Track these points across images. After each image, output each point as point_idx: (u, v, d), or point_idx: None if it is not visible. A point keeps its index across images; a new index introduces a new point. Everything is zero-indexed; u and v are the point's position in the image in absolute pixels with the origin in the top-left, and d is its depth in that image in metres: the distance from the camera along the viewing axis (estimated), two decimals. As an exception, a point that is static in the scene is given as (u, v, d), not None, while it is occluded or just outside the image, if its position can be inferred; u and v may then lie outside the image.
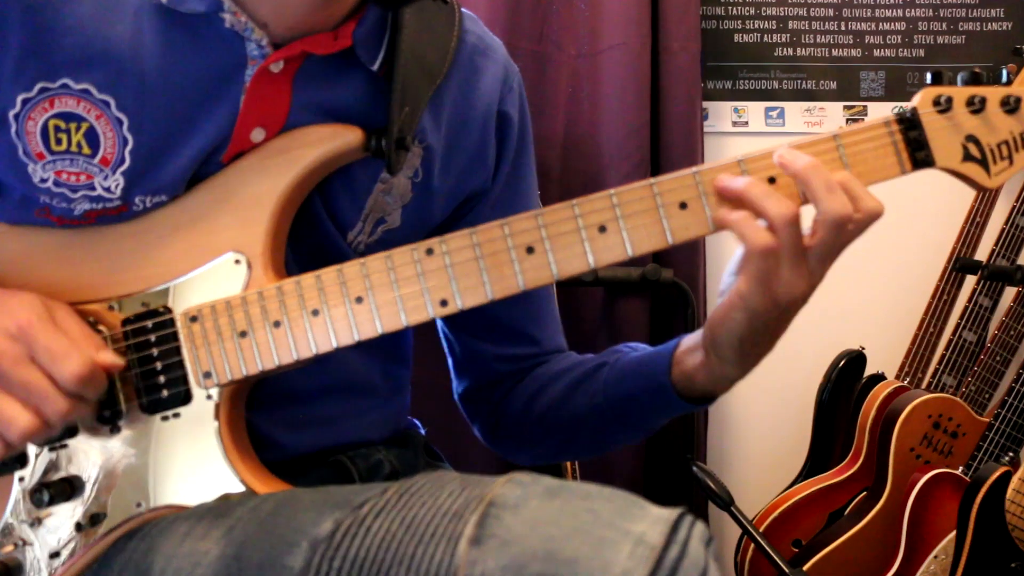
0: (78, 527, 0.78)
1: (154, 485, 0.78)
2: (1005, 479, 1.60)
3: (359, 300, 0.78)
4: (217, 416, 0.79)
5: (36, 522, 0.78)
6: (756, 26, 2.19)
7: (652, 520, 0.61)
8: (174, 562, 0.72)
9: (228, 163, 0.82)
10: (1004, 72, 0.80)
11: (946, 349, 1.98)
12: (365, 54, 0.84)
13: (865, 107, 2.20)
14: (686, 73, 2.04)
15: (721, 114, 2.20)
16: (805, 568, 1.82)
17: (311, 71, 0.83)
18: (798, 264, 0.75)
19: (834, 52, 2.20)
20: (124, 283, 0.81)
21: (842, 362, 2.04)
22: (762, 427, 2.23)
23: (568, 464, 1.84)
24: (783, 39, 2.19)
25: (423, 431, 1.08)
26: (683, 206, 0.77)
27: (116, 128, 0.78)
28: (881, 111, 2.19)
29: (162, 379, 0.78)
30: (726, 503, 1.65)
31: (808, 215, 0.75)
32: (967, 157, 0.79)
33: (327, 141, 0.82)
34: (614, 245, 0.77)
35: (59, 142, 0.77)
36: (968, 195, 2.03)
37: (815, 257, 0.75)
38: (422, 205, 0.92)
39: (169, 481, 0.78)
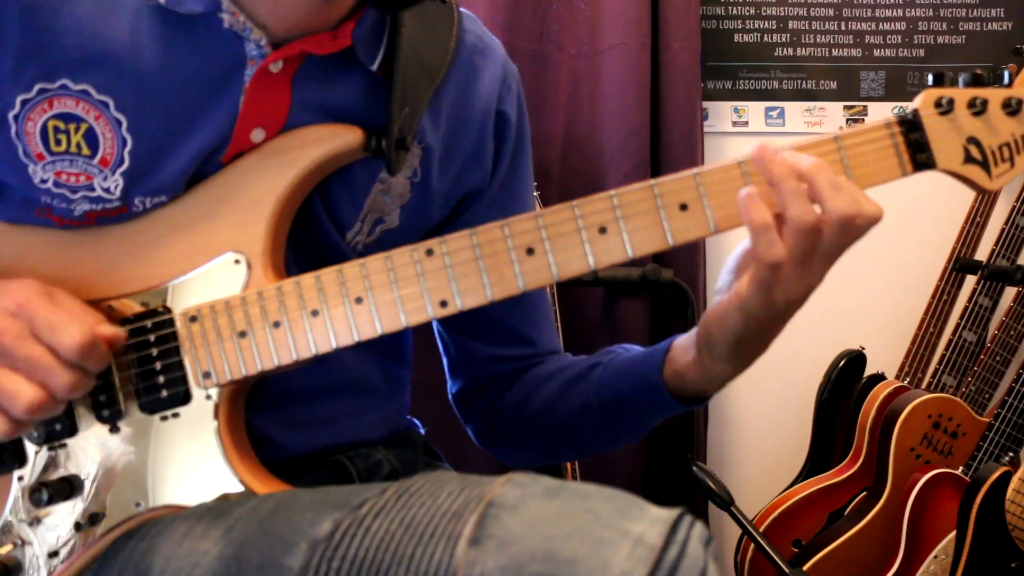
0: (77, 527, 0.78)
1: (153, 485, 0.78)
2: (1005, 479, 1.60)
3: (359, 301, 0.78)
4: (216, 416, 0.79)
5: (35, 521, 0.78)
6: (756, 26, 2.19)
7: (651, 520, 0.61)
8: (173, 562, 0.72)
9: (228, 163, 0.82)
10: (1006, 73, 0.79)
11: (946, 349, 1.98)
12: (364, 54, 0.84)
13: (865, 107, 2.20)
14: (686, 73, 2.04)
15: (721, 114, 2.20)
16: (805, 568, 1.82)
17: (310, 71, 0.83)
18: (801, 270, 0.74)
19: (834, 52, 2.20)
20: (124, 283, 0.81)
21: (842, 362, 2.04)
22: (762, 427, 2.23)
23: (568, 464, 1.84)
24: (783, 39, 2.19)
25: (423, 431, 1.08)
26: (684, 207, 0.77)
27: (115, 129, 0.78)
28: (881, 111, 2.19)
29: (161, 379, 0.78)
30: (726, 503, 1.65)
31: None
32: (968, 159, 0.78)
33: (327, 141, 0.82)
34: (614, 246, 0.77)
35: (58, 143, 0.77)
36: (968, 195, 2.03)
37: (818, 259, 0.75)
38: (420, 205, 0.92)
39: (168, 481, 0.78)
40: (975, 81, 0.78)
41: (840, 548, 1.84)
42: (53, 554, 0.78)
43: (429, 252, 0.77)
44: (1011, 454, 1.74)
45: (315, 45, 0.81)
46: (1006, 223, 1.91)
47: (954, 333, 1.98)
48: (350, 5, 0.83)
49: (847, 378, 2.04)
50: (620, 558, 0.59)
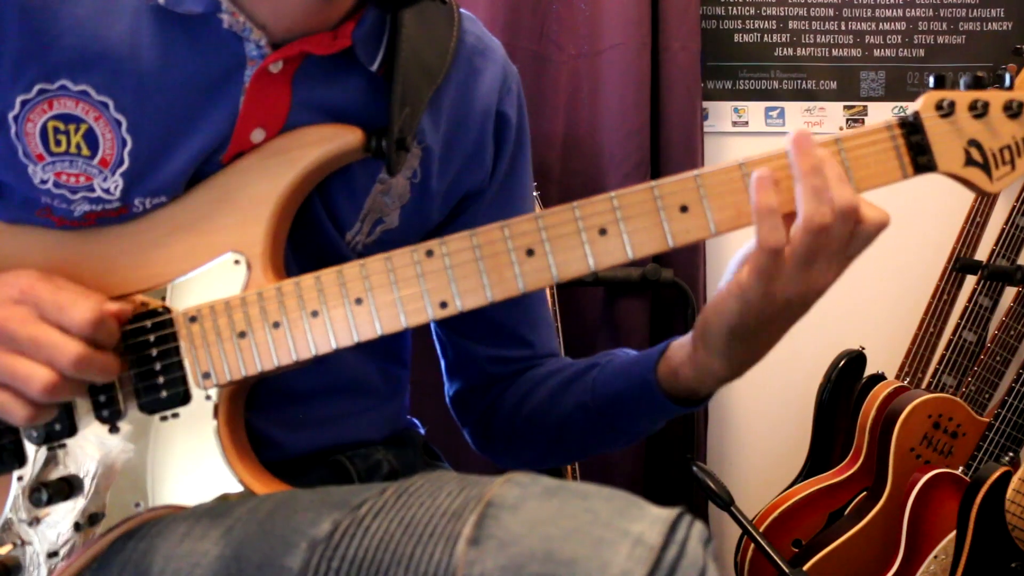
0: (77, 527, 0.78)
1: (153, 485, 0.78)
2: (1005, 479, 1.60)
3: (359, 301, 0.78)
4: (216, 416, 0.79)
5: (35, 521, 0.78)
6: (756, 26, 2.19)
7: (650, 520, 0.61)
8: (173, 562, 0.72)
9: (228, 163, 0.82)
10: (1007, 75, 0.79)
11: (946, 349, 1.98)
12: (364, 54, 0.84)
13: (865, 107, 2.20)
14: (686, 73, 2.03)
15: (721, 114, 2.20)
16: (805, 568, 1.82)
17: (310, 71, 0.83)
18: (804, 269, 0.74)
19: (834, 52, 2.20)
20: (123, 283, 0.81)
21: (842, 362, 2.04)
22: (762, 427, 2.23)
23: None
24: (783, 39, 2.19)
25: (422, 431, 1.08)
26: (684, 209, 0.77)
27: (115, 129, 0.78)
28: (881, 111, 2.19)
29: (161, 379, 0.78)
30: (726, 503, 1.65)
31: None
32: (969, 162, 0.78)
33: (327, 141, 0.82)
34: (615, 248, 0.77)
35: (58, 143, 0.77)
36: (968, 195, 2.03)
37: (823, 259, 0.74)
38: (420, 205, 0.92)
39: (168, 481, 0.78)
40: (976, 83, 0.78)
41: (840, 548, 1.84)
42: (53, 554, 0.78)
43: (429, 253, 0.77)
44: (1011, 454, 1.74)
45: (315, 45, 0.81)
46: (1006, 223, 1.91)
47: (954, 333, 1.98)
48: (350, 5, 0.83)
49: (847, 378, 2.04)
50: (620, 558, 0.59)
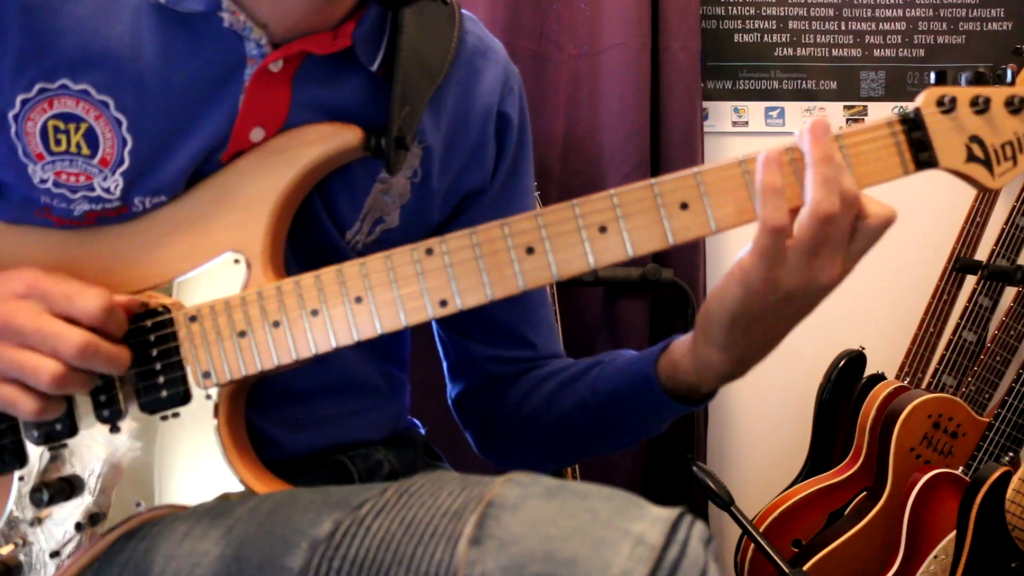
0: (78, 527, 0.78)
1: (153, 485, 0.78)
2: (1005, 479, 1.60)
3: (358, 300, 0.78)
4: (216, 416, 0.79)
5: (36, 521, 0.78)
6: (756, 26, 2.19)
7: (651, 520, 0.61)
8: (173, 562, 0.72)
9: (227, 163, 0.82)
10: (1008, 72, 0.79)
11: (946, 349, 1.98)
12: (364, 54, 0.84)
13: (865, 107, 2.20)
14: (686, 73, 2.03)
15: (721, 114, 2.20)
16: (805, 568, 1.82)
17: (310, 71, 0.83)
18: (809, 259, 0.74)
19: (834, 52, 2.20)
20: (123, 283, 0.80)
21: (842, 362, 2.04)
22: (762, 427, 2.23)
23: (567, 464, 1.84)
24: (783, 39, 2.19)
25: (423, 431, 1.08)
26: (684, 206, 0.77)
27: (115, 129, 0.78)
28: (881, 111, 2.19)
29: (161, 379, 0.78)
30: (726, 503, 1.65)
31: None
32: (970, 158, 0.78)
33: (326, 140, 0.82)
34: (615, 245, 0.77)
35: (58, 143, 0.77)
36: (968, 195, 2.03)
37: (828, 251, 0.74)
38: (421, 205, 0.92)
39: (169, 481, 0.78)
40: (977, 79, 0.78)
41: (840, 548, 1.84)
42: (54, 554, 0.77)
43: (429, 251, 0.77)
44: (1011, 454, 1.74)
45: (315, 45, 0.81)
46: (1006, 223, 1.91)
47: (954, 333, 1.98)
48: (351, 5, 0.83)
49: (847, 378, 2.04)
50: (620, 558, 0.59)
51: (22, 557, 0.78)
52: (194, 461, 0.78)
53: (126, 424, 0.79)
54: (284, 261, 0.83)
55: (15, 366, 0.72)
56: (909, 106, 0.79)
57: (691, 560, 0.60)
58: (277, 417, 0.88)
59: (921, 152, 0.78)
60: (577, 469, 1.86)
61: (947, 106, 0.77)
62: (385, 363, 0.98)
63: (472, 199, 0.98)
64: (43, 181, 0.78)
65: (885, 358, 2.08)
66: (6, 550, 0.78)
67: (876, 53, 2.19)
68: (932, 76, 0.79)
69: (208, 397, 0.79)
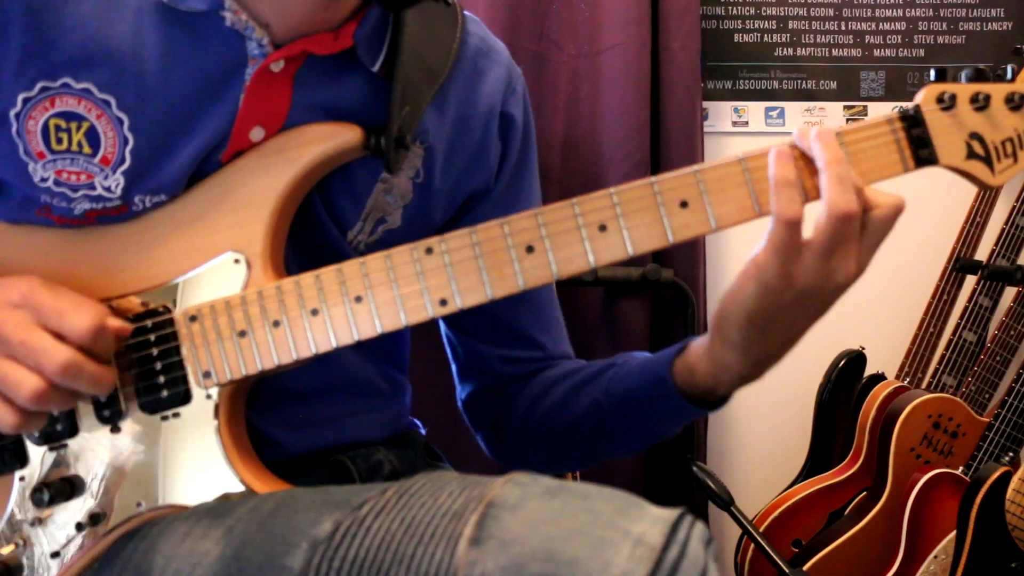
0: (78, 527, 0.78)
1: (154, 485, 0.78)
2: (1005, 479, 1.60)
3: (358, 299, 0.77)
4: (217, 416, 0.79)
5: (37, 522, 0.78)
6: (756, 26, 2.19)
7: (651, 520, 0.61)
8: (174, 562, 0.72)
9: (227, 162, 0.82)
10: (1008, 70, 0.79)
11: (946, 349, 1.98)
12: (366, 55, 0.84)
13: (865, 107, 2.20)
14: (686, 73, 2.03)
15: (721, 114, 2.20)
16: (805, 568, 1.82)
17: (312, 71, 0.83)
18: (825, 258, 0.73)
19: (834, 52, 2.20)
20: (123, 282, 0.81)
21: (842, 362, 2.04)
22: (762, 427, 2.22)
23: (570, 465, 1.83)
24: (783, 39, 2.19)
25: (423, 431, 1.08)
26: (684, 205, 0.77)
27: (117, 127, 0.78)
28: (881, 111, 2.18)
29: (161, 379, 0.78)
30: (726, 503, 1.65)
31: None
32: (971, 155, 0.78)
33: (326, 139, 0.82)
34: (614, 244, 0.77)
35: (60, 141, 0.77)
36: (968, 195, 2.03)
37: (842, 249, 0.74)
38: (423, 205, 0.92)
39: (169, 481, 0.78)
40: (978, 77, 0.78)
41: (840, 548, 1.84)
42: (55, 554, 0.77)
43: (429, 250, 0.77)
44: (1011, 454, 1.74)
45: (317, 45, 0.81)
46: (1006, 223, 1.91)
47: (954, 333, 1.98)
48: (353, 6, 0.83)
49: (847, 378, 2.04)
50: (621, 558, 0.59)
51: (23, 557, 0.78)
52: (195, 461, 0.78)
53: (127, 424, 0.78)
54: (284, 261, 0.83)
55: None
56: (908, 105, 0.79)
57: (691, 560, 0.60)
58: (277, 417, 0.88)
59: (921, 149, 0.77)
60: (577, 469, 1.86)
61: (947, 103, 0.77)
62: (385, 364, 0.98)
63: (476, 200, 0.98)
64: (44, 180, 0.78)
65: (885, 358, 2.08)
66: (7, 550, 0.78)
67: (876, 53, 2.19)
68: (932, 73, 0.79)
69: (208, 397, 0.78)
